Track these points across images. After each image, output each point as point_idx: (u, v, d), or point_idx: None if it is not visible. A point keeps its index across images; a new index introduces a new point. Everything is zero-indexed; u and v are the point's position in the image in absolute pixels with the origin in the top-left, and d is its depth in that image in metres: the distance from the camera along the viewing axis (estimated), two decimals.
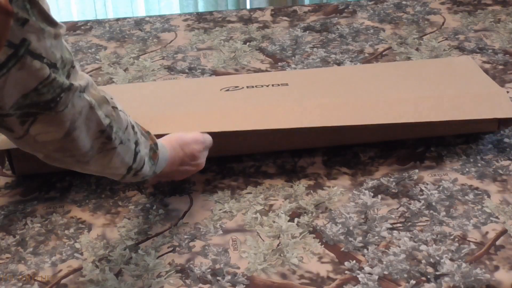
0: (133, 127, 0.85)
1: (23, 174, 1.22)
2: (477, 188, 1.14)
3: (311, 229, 1.06)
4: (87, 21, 1.85)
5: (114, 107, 0.79)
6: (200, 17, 1.85)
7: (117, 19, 1.85)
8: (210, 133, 1.13)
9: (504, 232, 1.03)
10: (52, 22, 0.65)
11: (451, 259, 0.98)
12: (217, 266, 0.99)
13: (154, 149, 0.92)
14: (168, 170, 1.01)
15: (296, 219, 1.08)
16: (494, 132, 1.28)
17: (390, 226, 1.06)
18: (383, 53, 1.60)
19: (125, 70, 1.55)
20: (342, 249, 1.01)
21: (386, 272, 0.96)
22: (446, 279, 0.94)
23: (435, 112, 1.19)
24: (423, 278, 0.95)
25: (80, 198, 1.16)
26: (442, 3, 1.88)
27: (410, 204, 1.11)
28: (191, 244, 1.04)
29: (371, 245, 1.01)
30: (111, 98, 0.80)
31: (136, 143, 0.86)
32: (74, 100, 0.70)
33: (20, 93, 0.63)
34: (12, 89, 0.62)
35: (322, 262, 0.99)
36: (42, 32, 0.62)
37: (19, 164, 1.20)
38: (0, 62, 0.60)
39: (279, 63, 1.56)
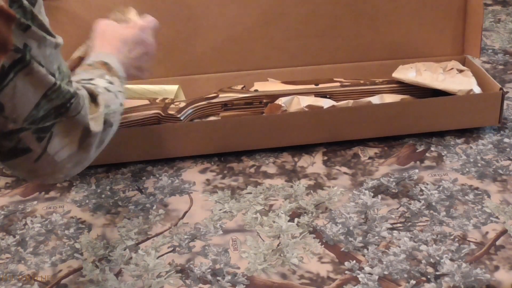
0: (108, 90, 0.83)
1: None
2: (477, 188, 1.14)
3: (311, 229, 1.06)
4: None
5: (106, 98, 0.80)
6: None
7: None
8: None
9: (504, 232, 1.03)
10: (51, 34, 0.65)
11: (451, 259, 0.98)
12: (217, 266, 0.99)
13: (109, 66, 0.89)
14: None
15: (296, 219, 1.08)
16: (495, 125, 1.28)
17: (390, 226, 1.06)
18: None
19: None
20: (342, 249, 1.01)
21: (386, 272, 0.96)
22: (446, 279, 0.94)
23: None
24: (423, 278, 0.95)
25: (80, 198, 1.16)
26: None
27: (410, 204, 1.11)
28: (191, 244, 1.04)
29: (371, 245, 1.01)
30: (97, 87, 0.80)
31: (116, 96, 0.84)
32: (83, 105, 0.70)
33: (31, 103, 0.63)
34: (22, 98, 0.62)
35: (322, 262, 0.99)
36: (43, 40, 0.62)
37: None
38: (6, 67, 0.60)
39: None
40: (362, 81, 1.35)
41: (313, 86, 1.33)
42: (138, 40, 1.00)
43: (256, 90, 1.31)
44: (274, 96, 1.30)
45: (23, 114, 0.63)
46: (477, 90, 1.28)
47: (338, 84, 1.34)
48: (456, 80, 1.31)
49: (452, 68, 1.36)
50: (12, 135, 0.64)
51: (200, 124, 1.21)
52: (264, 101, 1.30)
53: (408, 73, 1.34)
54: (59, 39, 0.66)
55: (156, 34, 1.08)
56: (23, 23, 0.60)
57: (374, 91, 1.32)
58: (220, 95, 1.29)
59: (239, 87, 1.33)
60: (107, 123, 0.78)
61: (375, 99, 1.29)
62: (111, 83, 0.85)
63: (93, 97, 0.76)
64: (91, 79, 0.82)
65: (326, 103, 1.28)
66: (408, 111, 1.26)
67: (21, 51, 0.60)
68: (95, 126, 0.73)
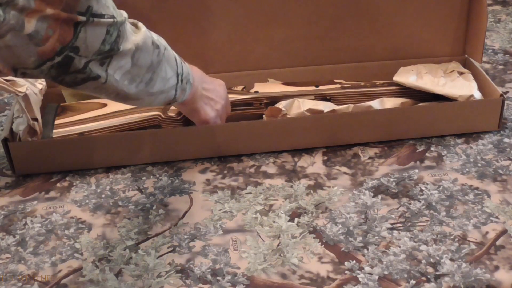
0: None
1: (23, 174, 1.22)
2: (477, 188, 1.14)
3: (311, 229, 1.06)
4: None
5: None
6: None
7: None
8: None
9: (504, 232, 1.03)
10: None
11: (451, 259, 0.98)
12: (217, 266, 0.99)
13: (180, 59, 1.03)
14: (195, 90, 1.08)
15: (296, 219, 1.08)
16: (494, 131, 1.28)
17: (390, 226, 1.06)
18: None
19: None
20: (342, 249, 1.01)
21: (386, 272, 0.96)
22: (446, 279, 0.94)
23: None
24: (423, 278, 0.95)
25: (80, 198, 1.16)
26: None
27: (410, 204, 1.11)
28: (191, 244, 1.04)
29: (371, 245, 1.01)
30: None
31: (166, 47, 0.96)
32: (126, 29, 0.84)
33: (99, 39, 0.78)
34: (91, 39, 0.77)
35: (322, 262, 0.99)
36: None
37: (19, 164, 1.20)
38: (77, 20, 0.74)
39: None
40: (362, 83, 1.35)
41: (313, 88, 1.33)
42: (215, 86, 1.14)
43: (256, 92, 1.31)
44: (274, 98, 1.30)
45: (94, 50, 0.78)
46: (477, 95, 1.28)
47: (338, 86, 1.34)
48: (457, 84, 1.31)
49: (453, 71, 1.36)
50: (85, 68, 0.79)
51: (200, 129, 1.21)
52: (265, 101, 1.30)
53: (409, 76, 1.34)
54: None
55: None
56: None
57: (375, 93, 1.33)
58: None
59: (239, 88, 1.33)
60: (158, 47, 0.92)
61: (375, 104, 1.29)
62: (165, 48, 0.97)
63: (134, 23, 0.89)
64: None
65: (326, 106, 1.28)
66: (408, 116, 1.25)
67: (84, 14, 0.74)
68: (139, 38, 0.86)
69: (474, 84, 1.31)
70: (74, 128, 1.24)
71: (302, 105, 1.27)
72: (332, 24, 1.40)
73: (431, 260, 0.98)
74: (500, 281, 0.94)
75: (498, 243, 1.01)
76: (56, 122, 1.25)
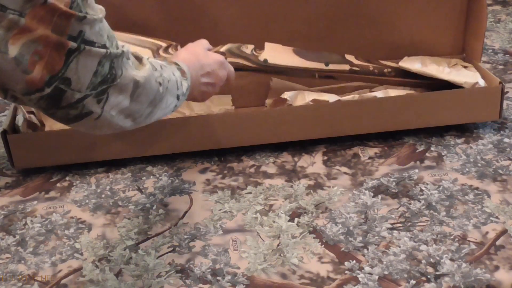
0: (162, 66, 0.90)
1: (23, 168, 1.22)
2: (477, 188, 1.14)
3: (311, 229, 1.06)
4: None
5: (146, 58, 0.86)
6: None
7: None
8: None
9: (504, 232, 1.03)
10: (95, 8, 0.72)
11: (451, 259, 0.98)
12: (217, 266, 0.99)
13: (179, 67, 0.96)
14: (192, 86, 1.01)
15: (296, 219, 1.08)
16: (496, 120, 1.29)
17: (390, 226, 1.06)
18: None
19: None
20: (342, 249, 1.01)
21: (386, 272, 0.96)
22: (446, 279, 0.94)
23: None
24: (423, 278, 0.95)
25: (80, 198, 1.16)
26: None
27: (410, 204, 1.11)
28: (191, 244, 1.04)
29: (371, 245, 1.01)
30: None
31: (173, 74, 0.91)
32: (125, 63, 0.77)
33: (91, 71, 0.72)
34: (83, 70, 0.71)
35: (322, 262, 0.99)
36: (93, 21, 0.70)
37: (18, 158, 1.20)
38: (68, 47, 0.69)
39: None
40: (371, 67, 1.32)
41: (323, 65, 1.30)
42: (213, 70, 1.05)
43: (265, 60, 1.26)
44: (281, 70, 1.27)
45: (86, 83, 0.72)
46: (482, 83, 1.29)
47: (347, 67, 1.31)
48: (461, 73, 1.32)
49: (456, 64, 1.36)
50: (78, 103, 0.73)
51: (201, 118, 1.21)
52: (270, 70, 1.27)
53: (414, 63, 1.34)
54: (102, 11, 0.73)
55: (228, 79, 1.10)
56: (80, 16, 0.68)
57: (381, 81, 1.32)
58: (228, 58, 1.20)
59: (249, 49, 1.27)
60: (160, 84, 0.84)
61: (379, 94, 1.30)
62: (168, 68, 0.90)
63: (138, 59, 0.83)
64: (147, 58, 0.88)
65: (331, 98, 1.28)
66: (409, 105, 1.26)
67: (75, 38, 0.69)
68: (140, 75, 0.80)
69: (478, 74, 1.32)
70: None
71: (307, 96, 1.27)
72: (333, 25, 1.40)
73: (431, 260, 0.98)
74: (500, 281, 0.94)
75: (498, 243, 1.01)
76: None
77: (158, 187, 1.18)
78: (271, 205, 1.12)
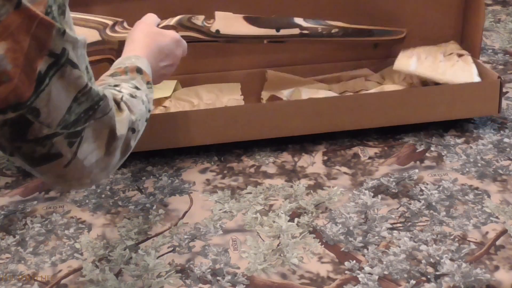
0: (132, 95, 0.80)
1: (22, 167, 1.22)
2: (477, 188, 1.14)
3: (311, 229, 1.06)
4: None
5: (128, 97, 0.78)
6: None
7: None
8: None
9: (504, 232, 1.03)
10: (74, 30, 0.65)
11: (451, 259, 0.98)
12: (217, 266, 0.98)
13: (142, 76, 0.86)
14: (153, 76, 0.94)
15: (296, 219, 1.08)
16: (496, 119, 1.29)
17: (390, 226, 1.06)
18: None
19: None
20: (342, 249, 1.01)
21: (386, 272, 0.96)
22: (446, 279, 0.94)
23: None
24: (423, 278, 0.95)
25: (80, 198, 1.16)
26: None
27: (410, 204, 1.11)
28: (191, 244, 1.04)
29: (371, 245, 1.01)
30: (119, 90, 0.79)
31: (143, 101, 0.82)
32: (109, 109, 0.70)
33: (64, 106, 0.64)
34: (56, 102, 0.63)
35: (322, 262, 0.99)
36: (76, 42, 0.63)
37: None
38: (42, 72, 0.60)
39: None
40: (320, 29, 1.31)
41: (274, 31, 1.29)
42: (171, 51, 0.99)
43: (217, 31, 1.23)
44: (234, 40, 1.25)
45: (57, 119, 0.63)
46: (477, 80, 1.29)
47: (297, 30, 1.30)
48: (457, 71, 1.31)
49: (451, 53, 1.36)
50: (46, 140, 0.64)
51: (199, 112, 1.21)
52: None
53: (409, 61, 1.34)
54: (84, 38, 0.67)
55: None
56: (60, 28, 0.61)
57: (330, 42, 1.35)
58: (179, 32, 1.08)
59: (200, 20, 1.22)
60: (131, 129, 0.76)
61: (374, 89, 1.31)
62: (137, 88, 0.82)
63: (116, 103, 0.75)
64: (116, 85, 0.80)
65: (327, 95, 1.29)
66: (407, 100, 1.26)
67: (56, 56, 0.61)
68: (120, 129, 0.73)
69: (474, 70, 1.31)
70: None
71: (303, 94, 1.27)
72: (331, 20, 1.40)
73: (431, 260, 0.98)
74: (500, 281, 0.94)
75: (498, 243, 1.01)
76: None
77: (158, 187, 1.18)
78: (271, 205, 1.12)
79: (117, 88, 0.79)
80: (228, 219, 1.09)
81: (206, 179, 1.20)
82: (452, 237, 1.03)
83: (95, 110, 0.67)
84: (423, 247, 1.01)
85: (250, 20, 1.27)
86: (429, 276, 0.95)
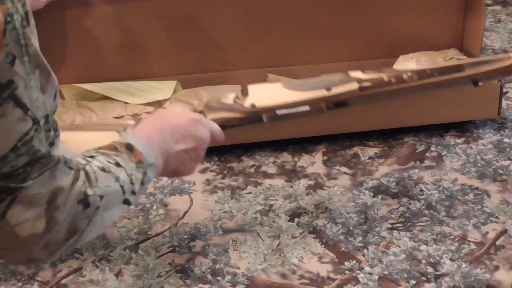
0: (104, 169, 0.67)
1: None
2: (477, 188, 1.14)
3: (311, 229, 1.06)
4: None
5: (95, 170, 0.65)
6: None
7: None
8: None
9: (504, 232, 1.03)
10: (45, 69, 0.54)
11: (451, 259, 0.98)
12: (217, 266, 0.98)
13: (130, 155, 0.72)
14: (164, 159, 0.80)
15: (296, 219, 1.08)
16: (496, 120, 1.29)
17: (390, 226, 1.06)
18: None
19: None
20: (342, 249, 1.01)
21: (386, 272, 0.96)
22: (446, 279, 0.94)
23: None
24: (423, 278, 0.95)
25: None
26: None
27: (410, 204, 1.11)
28: (191, 244, 1.04)
29: (371, 245, 1.01)
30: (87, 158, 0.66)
31: (117, 179, 0.67)
32: (56, 173, 0.58)
33: (8, 145, 0.53)
34: None
35: (322, 262, 0.99)
36: (29, 79, 0.52)
37: None
38: None
39: None
40: (386, 78, 1.02)
41: (324, 92, 1.00)
42: (188, 132, 0.84)
43: (253, 105, 0.99)
44: (275, 110, 1.00)
45: None
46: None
47: (355, 85, 1.01)
48: None
49: (452, 58, 1.36)
50: None
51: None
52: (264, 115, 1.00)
53: (409, 65, 1.33)
54: (52, 80, 0.56)
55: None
56: (11, 53, 0.50)
57: (405, 91, 1.04)
58: (208, 116, 0.95)
59: (230, 98, 1.00)
60: (82, 203, 0.61)
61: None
62: (118, 165, 0.68)
63: (75, 170, 0.61)
64: (91, 156, 0.67)
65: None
66: (408, 102, 1.25)
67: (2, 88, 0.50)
68: (65, 198, 0.59)
69: None
70: None
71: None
72: (332, 23, 1.40)
73: (431, 260, 0.98)
74: (500, 281, 0.94)
75: (498, 243, 1.01)
76: None
77: (158, 187, 1.18)
78: (271, 205, 1.12)
79: (88, 158, 0.66)
80: (228, 219, 1.09)
81: (206, 179, 1.20)
82: (452, 237, 1.03)
83: (28, 173, 0.55)
84: (423, 247, 1.01)
85: (290, 85, 1.02)
86: (429, 276, 0.95)
